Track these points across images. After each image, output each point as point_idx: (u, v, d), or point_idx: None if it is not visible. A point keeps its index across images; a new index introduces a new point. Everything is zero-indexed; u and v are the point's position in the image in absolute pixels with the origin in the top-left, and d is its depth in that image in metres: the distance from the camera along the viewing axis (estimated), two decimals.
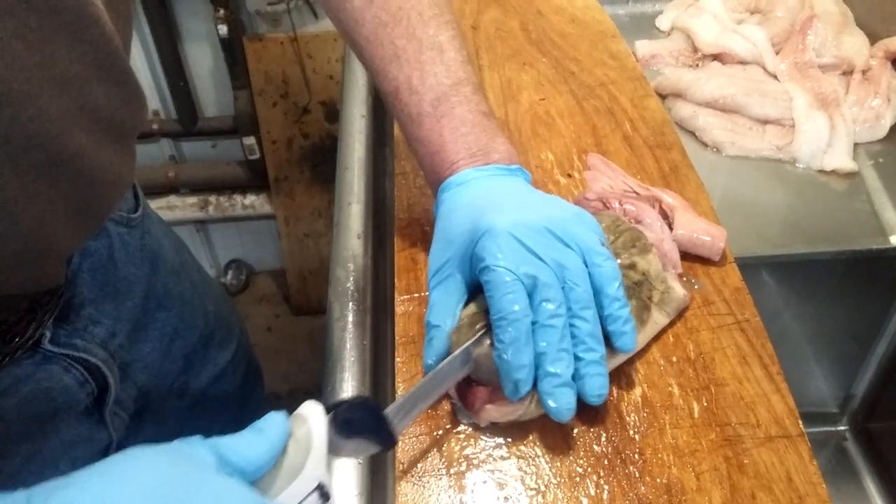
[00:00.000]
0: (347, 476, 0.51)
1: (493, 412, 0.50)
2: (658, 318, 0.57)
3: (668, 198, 0.66)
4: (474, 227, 0.51)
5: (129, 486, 0.31)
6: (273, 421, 0.39)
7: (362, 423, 0.44)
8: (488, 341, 0.49)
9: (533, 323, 0.48)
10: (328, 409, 0.42)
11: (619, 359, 0.54)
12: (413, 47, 0.59)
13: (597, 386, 0.48)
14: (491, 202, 0.53)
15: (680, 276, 0.61)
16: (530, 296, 0.48)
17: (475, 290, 0.53)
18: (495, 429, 0.52)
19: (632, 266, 0.56)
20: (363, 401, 0.46)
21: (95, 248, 0.61)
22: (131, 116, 0.54)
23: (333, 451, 0.42)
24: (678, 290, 0.58)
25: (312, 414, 0.41)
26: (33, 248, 0.48)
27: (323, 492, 0.40)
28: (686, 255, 0.63)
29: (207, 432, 0.85)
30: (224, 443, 0.37)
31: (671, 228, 0.63)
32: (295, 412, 0.42)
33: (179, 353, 0.73)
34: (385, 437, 0.45)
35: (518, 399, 0.48)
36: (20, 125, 0.42)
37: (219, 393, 0.81)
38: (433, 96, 0.58)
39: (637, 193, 0.67)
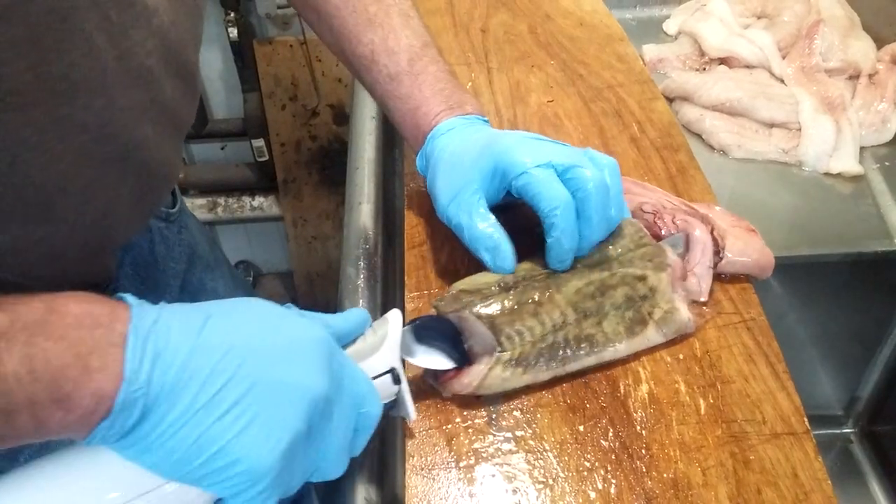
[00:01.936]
0: (361, 477, 0.52)
1: (456, 384, 0.52)
2: (652, 335, 0.56)
3: (716, 217, 0.65)
4: (490, 153, 0.55)
5: (251, 310, 0.42)
6: (356, 311, 0.48)
7: (436, 334, 0.51)
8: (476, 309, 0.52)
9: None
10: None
11: (607, 354, 0.55)
12: (383, 12, 0.64)
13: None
14: (490, 136, 0.58)
15: (701, 303, 0.60)
16: (562, 178, 0.53)
17: None
18: (504, 423, 0.52)
19: (642, 278, 0.57)
20: (442, 318, 0.52)
21: (137, 242, 0.63)
22: (189, 111, 0.56)
23: (409, 352, 0.50)
24: (682, 314, 0.57)
25: (392, 316, 0.49)
26: (96, 238, 0.49)
27: (395, 375, 0.48)
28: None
29: None
30: (317, 314, 0.46)
31: (719, 250, 0.62)
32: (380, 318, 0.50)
33: None
34: (457, 353, 0.51)
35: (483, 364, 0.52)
36: (93, 114, 0.43)
37: None
38: (408, 56, 0.63)
39: (687, 209, 0.65)
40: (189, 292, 0.70)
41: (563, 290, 0.54)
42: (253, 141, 1.80)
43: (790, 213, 0.88)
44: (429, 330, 0.52)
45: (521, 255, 0.56)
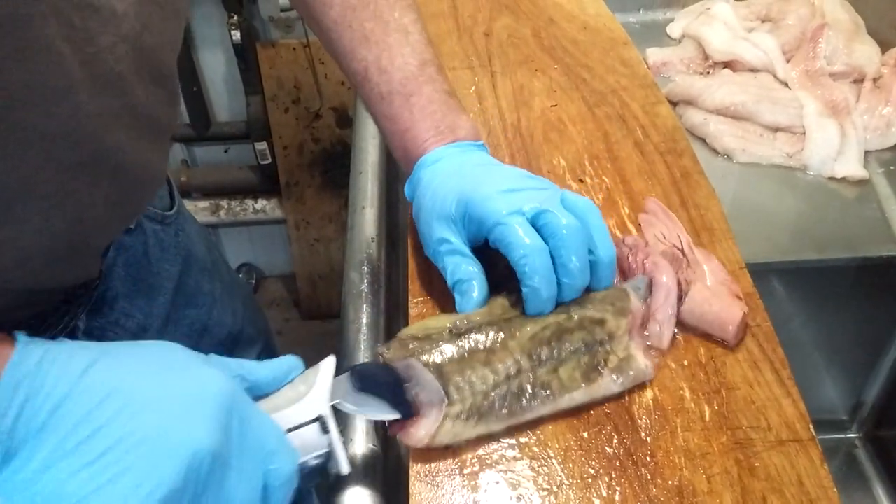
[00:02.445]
0: (362, 480, 0.51)
1: (406, 437, 0.49)
2: (607, 384, 0.53)
3: (707, 268, 0.61)
4: (467, 201, 0.54)
5: (149, 355, 0.42)
6: (285, 358, 0.46)
7: (380, 382, 0.48)
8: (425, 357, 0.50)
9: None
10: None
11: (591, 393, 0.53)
12: (380, 29, 0.62)
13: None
14: (472, 178, 0.56)
15: (661, 352, 0.57)
16: (535, 226, 0.52)
17: None
18: (508, 430, 0.52)
19: (601, 322, 0.54)
20: (386, 366, 0.49)
21: (131, 244, 0.63)
22: (168, 115, 0.55)
23: (350, 400, 0.47)
24: (639, 362, 0.54)
25: (324, 363, 0.47)
26: (67, 244, 0.49)
27: (323, 424, 0.45)
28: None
29: None
30: (238, 361, 0.45)
31: (682, 296, 0.59)
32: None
33: (206, 350, 0.74)
34: (400, 403, 0.48)
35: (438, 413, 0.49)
36: (58, 121, 0.43)
37: None
38: (402, 76, 0.61)
39: (681, 252, 0.63)
40: (184, 294, 0.70)
41: (517, 336, 0.52)
42: (256, 144, 1.80)
43: (794, 217, 0.88)
44: (372, 378, 0.49)
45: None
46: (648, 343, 0.57)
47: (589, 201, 0.54)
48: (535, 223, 0.52)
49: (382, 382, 0.48)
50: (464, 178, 0.56)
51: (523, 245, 0.50)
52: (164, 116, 0.55)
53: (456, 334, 0.51)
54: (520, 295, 0.53)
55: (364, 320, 0.62)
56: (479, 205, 0.53)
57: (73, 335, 0.57)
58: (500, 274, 0.55)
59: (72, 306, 0.56)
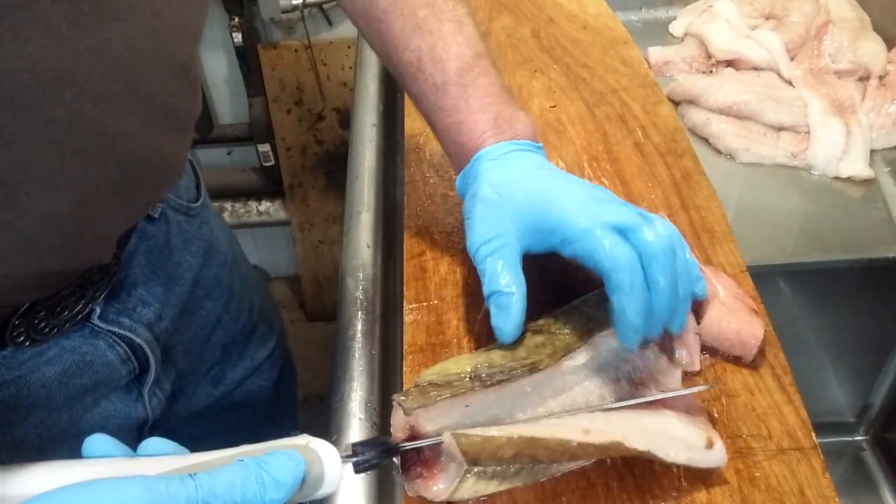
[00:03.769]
0: (355, 490, 0.51)
1: (423, 488, 0.45)
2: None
3: (719, 284, 0.59)
4: (541, 209, 0.51)
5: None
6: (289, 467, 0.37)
7: (376, 462, 0.43)
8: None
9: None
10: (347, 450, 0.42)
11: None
12: (434, 18, 0.59)
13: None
14: (542, 183, 0.53)
15: (695, 373, 0.55)
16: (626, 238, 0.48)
17: None
18: None
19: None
20: (382, 441, 0.44)
21: (154, 233, 0.63)
22: (187, 103, 0.55)
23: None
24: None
25: (329, 461, 0.40)
26: (74, 229, 0.49)
27: None
28: None
29: (237, 424, 0.86)
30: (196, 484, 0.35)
31: (698, 320, 0.57)
32: (312, 446, 0.40)
33: (219, 343, 0.75)
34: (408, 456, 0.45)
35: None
36: (62, 105, 0.42)
37: (253, 387, 0.83)
38: (458, 66, 0.58)
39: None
40: (203, 287, 0.70)
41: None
42: (259, 146, 1.80)
43: (799, 218, 0.86)
44: (365, 462, 0.43)
45: (539, 311, 0.52)
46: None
47: (674, 228, 0.50)
48: (626, 236, 0.48)
49: (390, 448, 0.44)
50: (536, 181, 0.53)
51: (618, 257, 0.47)
52: (182, 104, 0.54)
53: (479, 380, 0.47)
54: (548, 328, 0.51)
55: (359, 327, 0.62)
56: (558, 215, 0.50)
57: (88, 319, 0.58)
58: (543, 278, 0.52)
59: (87, 291, 0.56)
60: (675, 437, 0.48)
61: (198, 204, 0.70)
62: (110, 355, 0.60)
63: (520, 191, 0.53)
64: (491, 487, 0.45)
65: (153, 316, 0.63)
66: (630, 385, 0.51)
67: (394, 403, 0.46)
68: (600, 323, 0.51)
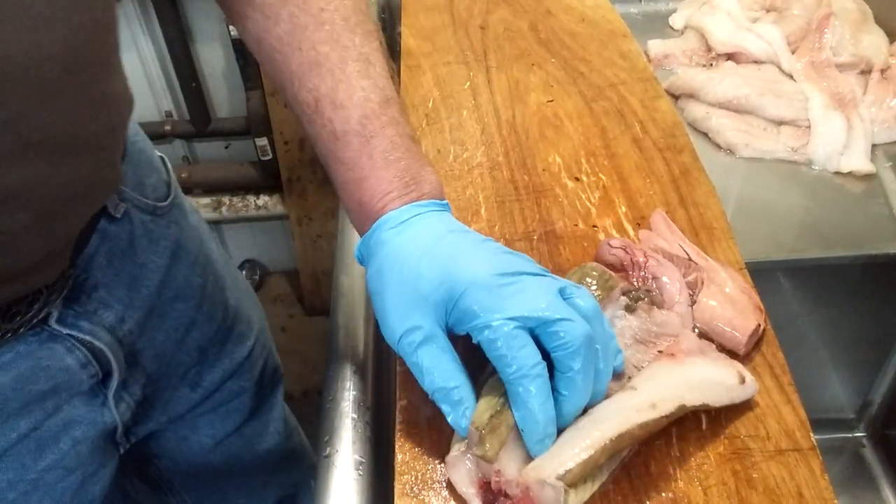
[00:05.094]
0: (348, 491, 0.50)
1: None
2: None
3: (723, 272, 0.59)
4: (449, 286, 0.47)
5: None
6: None
7: None
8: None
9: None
10: None
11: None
12: (337, 56, 0.53)
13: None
14: (450, 254, 0.49)
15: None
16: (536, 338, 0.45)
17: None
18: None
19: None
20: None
21: (116, 233, 0.61)
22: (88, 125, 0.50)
23: None
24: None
25: None
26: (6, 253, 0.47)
27: None
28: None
29: (221, 426, 0.84)
30: None
31: (693, 301, 0.57)
32: None
33: (194, 345, 0.73)
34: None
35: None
36: None
37: (235, 388, 0.80)
38: (361, 114, 0.52)
39: (690, 260, 0.60)
40: (172, 288, 0.68)
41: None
42: (256, 139, 1.79)
43: (799, 213, 0.86)
44: None
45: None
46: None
47: (595, 304, 0.48)
48: (537, 332, 0.45)
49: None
50: (445, 252, 0.49)
51: (517, 363, 0.44)
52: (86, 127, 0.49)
53: None
54: None
55: (350, 325, 0.61)
56: (470, 295, 0.46)
57: (45, 323, 0.55)
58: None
59: (41, 295, 0.54)
60: (714, 383, 0.51)
61: (166, 203, 0.67)
62: (69, 360, 0.57)
63: (428, 267, 0.48)
64: (587, 492, 0.46)
65: (115, 318, 0.61)
66: (643, 345, 0.53)
67: (451, 460, 0.47)
68: None
